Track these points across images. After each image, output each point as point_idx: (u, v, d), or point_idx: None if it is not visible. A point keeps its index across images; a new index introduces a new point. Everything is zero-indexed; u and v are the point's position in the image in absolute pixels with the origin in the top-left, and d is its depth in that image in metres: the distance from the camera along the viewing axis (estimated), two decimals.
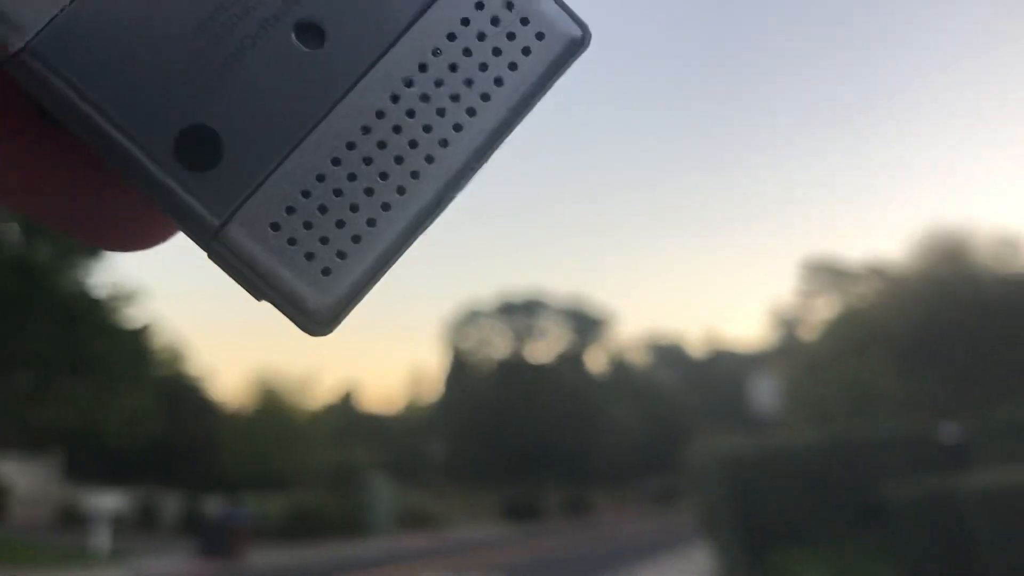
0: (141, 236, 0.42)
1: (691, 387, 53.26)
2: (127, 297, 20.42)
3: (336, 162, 0.37)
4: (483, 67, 0.38)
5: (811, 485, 8.54)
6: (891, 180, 70.62)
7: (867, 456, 8.74)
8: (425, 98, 0.38)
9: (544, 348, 49.26)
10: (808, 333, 32.81)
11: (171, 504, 25.16)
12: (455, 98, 0.38)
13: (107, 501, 18.98)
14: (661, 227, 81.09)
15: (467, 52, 0.38)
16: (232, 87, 0.36)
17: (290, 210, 0.37)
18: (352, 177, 0.37)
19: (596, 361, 50.93)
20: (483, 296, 61.11)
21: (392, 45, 0.38)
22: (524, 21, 0.39)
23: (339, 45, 0.37)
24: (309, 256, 0.37)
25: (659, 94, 79.85)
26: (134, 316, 20.79)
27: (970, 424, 9.53)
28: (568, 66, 0.40)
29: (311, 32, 0.37)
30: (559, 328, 49.54)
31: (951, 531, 6.95)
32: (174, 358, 30.79)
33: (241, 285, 0.38)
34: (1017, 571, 6.36)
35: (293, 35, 0.37)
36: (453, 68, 0.38)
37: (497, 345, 49.40)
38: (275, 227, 0.37)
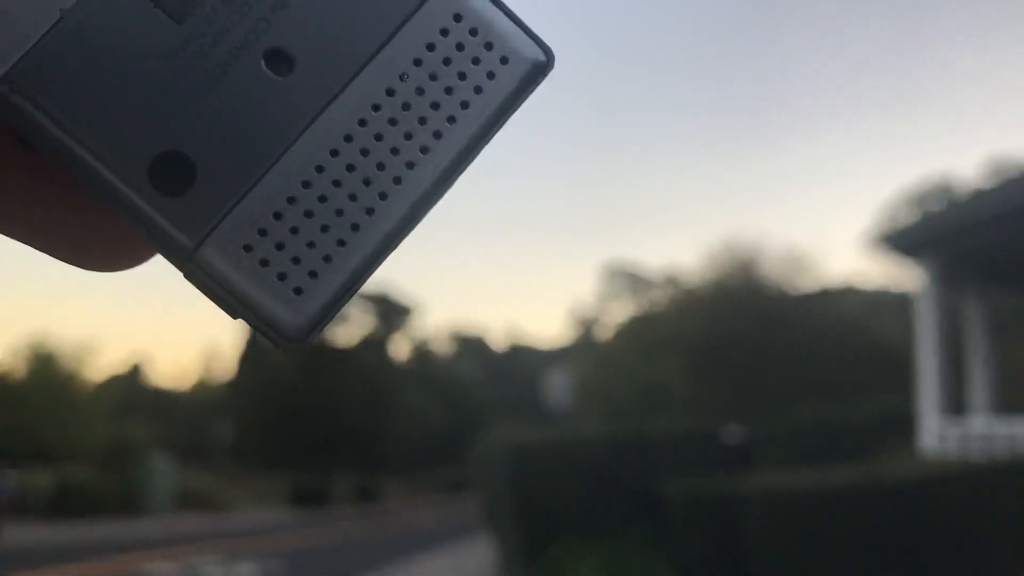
0: (121, 256, 0.42)
1: (491, 380, 53.96)
2: None
3: (306, 185, 0.38)
4: (448, 91, 0.40)
5: (592, 479, 8.59)
6: (694, 192, 74.03)
7: (650, 452, 8.88)
8: (392, 122, 0.39)
9: (345, 332, 48.53)
10: (604, 333, 33.82)
11: None
12: (422, 121, 0.39)
13: None
14: (473, 223, 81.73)
15: (433, 77, 0.40)
16: (204, 114, 0.38)
17: (262, 232, 0.38)
18: (322, 199, 0.39)
19: (399, 349, 50.66)
20: None
21: (360, 71, 0.39)
22: (488, 46, 0.40)
23: (308, 72, 0.39)
24: (281, 276, 0.38)
25: None
26: None
27: (753, 427, 9.92)
28: (532, 89, 0.42)
29: (280, 59, 0.38)
30: (362, 313, 48.94)
31: (724, 530, 7.14)
32: None
33: (216, 304, 0.40)
34: (785, 571, 6.58)
35: (263, 63, 0.38)
36: (419, 92, 0.39)
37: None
38: (248, 248, 0.38)
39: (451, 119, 0.40)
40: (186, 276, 0.39)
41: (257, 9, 0.38)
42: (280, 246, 0.38)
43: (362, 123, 0.39)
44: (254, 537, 21.09)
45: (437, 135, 0.39)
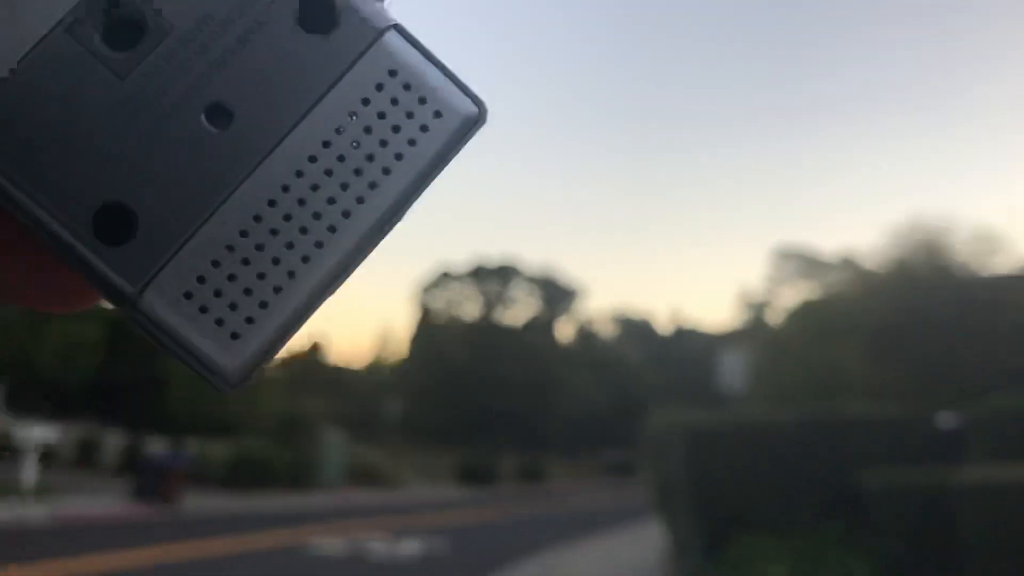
0: (68, 299, 0.43)
1: (656, 363, 52.90)
2: None
3: (244, 234, 0.40)
4: (383, 143, 0.41)
5: (779, 466, 7.80)
6: (870, 172, 70.30)
7: (843, 439, 8.01)
8: (328, 173, 0.41)
9: (513, 314, 48.67)
10: (775, 317, 32.44)
11: (112, 443, 24.27)
12: (357, 173, 0.41)
13: (37, 433, 18.11)
14: (638, 206, 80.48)
15: (368, 130, 0.41)
16: (146, 166, 0.40)
17: (201, 279, 0.40)
18: (260, 247, 0.40)
19: (564, 331, 50.41)
20: (457, 259, 60.21)
21: (297, 124, 0.41)
22: (422, 100, 0.42)
23: (246, 125, 0.40)
24: (219, 322, 0.40)
25: (642, 78, 78.92)
26: None
27: (960, 413, 8.85)
28: (465, 141, 0.43)
29: (220, 113, 0.40)
30: (529, 296, 48.95)
31: (935, 527, 6.28)
32: None
33: (158, 347, 0.42)
34: (1006, 574, 5.71)
35: (203, 116, 0.40)
36: (355, 145, 0.41)
37: (467, 308, 48.76)
38: (187, 296, 0.40)
39: (385, 171, 0.41)
40: (128, 320, 0.41)
41: (198, 65, 0.40)
42: (218, 293, 0.40)
43: (299, 174, 0.40)
44: (421, 513, 21.23)
45: (372, 186, 0.41)
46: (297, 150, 0.40)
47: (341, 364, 52.01)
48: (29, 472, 17.53)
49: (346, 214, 0.41)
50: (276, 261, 0.40)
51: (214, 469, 22.66)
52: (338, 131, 0.41)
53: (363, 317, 76.13)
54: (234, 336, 0.40)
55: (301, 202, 0.40)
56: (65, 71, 0.39)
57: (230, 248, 0.40)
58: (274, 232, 0.40)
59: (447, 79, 0.42)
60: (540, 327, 48.30)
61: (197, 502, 18.45)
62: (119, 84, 0.39)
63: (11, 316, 17.98)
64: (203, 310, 0.40)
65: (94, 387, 24.54)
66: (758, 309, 37.49)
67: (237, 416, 28.25)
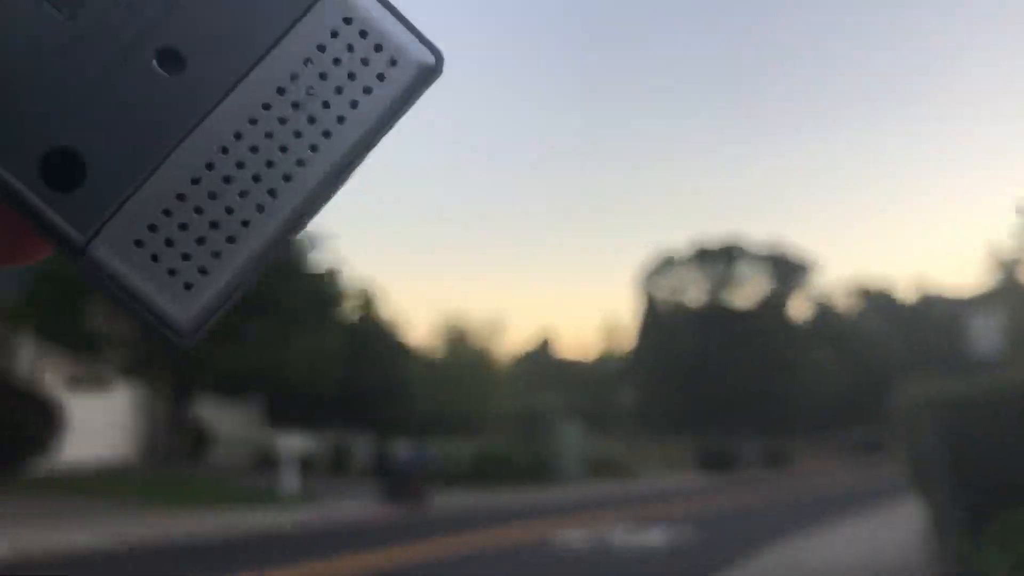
0: (15, 251, 0.42)
1: (900, 334, 49.73)
2: (311, 242, 20.69)
3: (197, 181, 0.40)
4: (338, 91, 0.41)
5: None
6: None
7: None
8: (283, 120, 0.40)
9: (742, 295, 47.33)
10: None
11: (361, 447, 25.72)
12: (312, 120, 0.41)
13: (295, 443, 19.42)
14: (867, 168, 76.15)
15: (323, 76, 0.41)
16: (95, 111, 0.39)
17: (152, 228, 0.39)
18: (212, 196, 0.40)
19: (798, 308, 48.45)
20: (678, 242, 59.23)
21: (251, 70, 0.40)
22: (377, 48, 0.42)
23: (199, 70, 0.40)
24: (171, 272, 0.40)
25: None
26: (319, 260, 21.10)
27: None
28: (422, 91, 0.43)
29: (172, 58, 0.39)
30: (758, 274, 47.40)
31: None
32: (364, 302, 31.38)
33: (109, 298, 0.42)
34: None
35: (154, 61, 0.39)
36: (309, 92, 0.41)
37: (693, 292, 47.94)
38: (138, 244, 0.39)
39: (341, 118, 0.41)
40: (78, 271, 0.40)
41: (149, 8, 0.39)
42: (170, 242, 0.39)
43: (253, 121, 0.40)
44: (662, 502, 21.01)
45: (327, 134, 0.41)
46: (251, 97, 0.40)
47: (570, 358, 52.57)
48: (290, 480, 18.86)
49: (300, 163, 0.40)
50: (230, 210, 0.40)
51: (458, 468, 23.45)
52: (292, 78, 0.40)
53: (588, 309, 76.65)
54: (187, 286, 0.39)
55: (255, 149, 0.40)
56: (7, 10, 0.38)
57: (182, 197, 0.39)
58: (227, 180, 0.40)
59: (404, 28, 0.42)
60: (772, 306, 46.66)
61: (444, 500, 19.16)
62: (65, 24, 0.38)
63: (262, 335, 19.38)
64: (155, 259, 0.39)
65: (340, 396, 26.04)
66: (1010, 267, 34.47)
67: (476, 415, 29.14)
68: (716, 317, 45.41)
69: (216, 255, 0.40)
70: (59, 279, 17.93)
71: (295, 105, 0.40)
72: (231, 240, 0.40)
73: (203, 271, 0.39)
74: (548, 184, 73.06)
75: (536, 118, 71.18)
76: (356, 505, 17.72)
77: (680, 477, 31.85)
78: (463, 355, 32.08)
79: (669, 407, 44.05)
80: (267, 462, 24.35)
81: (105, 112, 0.39)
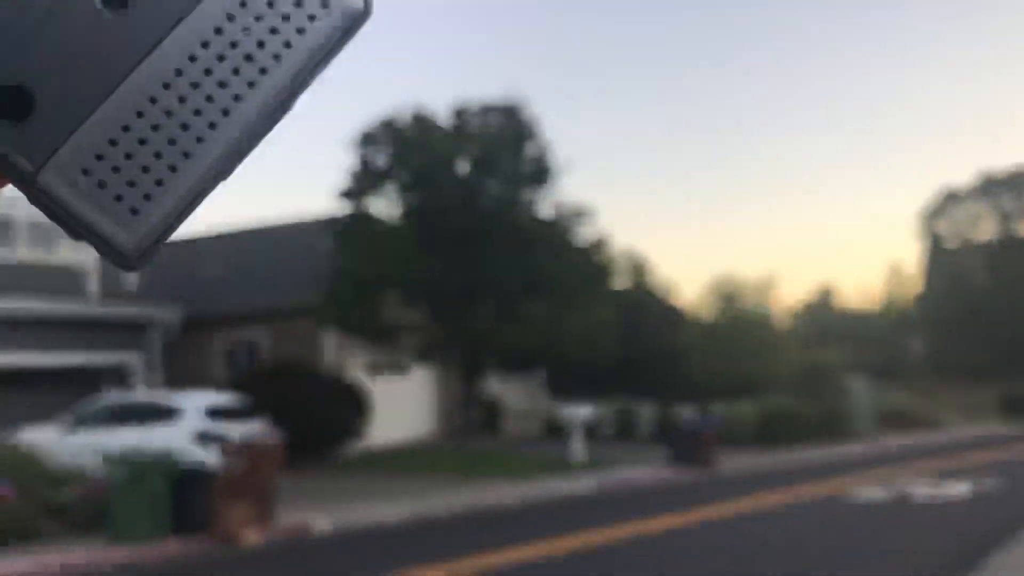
0: None
1: None
2: (577, 217, 21.20)
3: (140, 115, 0.42)
4: (273, 31, 0.44)
5: None
6: None
7: None
8: (220, 58, 0.43)
9: None
10: None
11: (644, 414, 26.11)
12: (248, 59, 0.43)
13: (580, 413, 20.10)
14: None
15: (258, 18, 0.43)
16: (42, 48, 0.41)
17: (99, 157, 0.42)
18: (155, 128, 0.43)
19: None
20: (959, 179, 54.66)
21: (191, 10, 0.42)
22: None
23: (142, 9, 0.42)
24: (118, 198, 0.43)
25: None
26: (586, 234, 21.59)
27: None
28: (352, 34, 0.45)
29: None
30: None
31: None
32: (634, 270, 31.68)
33: (59, 226, 0.44)
34: None
35: (98, 0, 0.41)
36: (245, 31, 0.43)
37: (981, 228, 44.27)
38: (85, 172, 0.42)
39: (276, 56, 0.44)
40: (30, 200, 0.42)
41: None
42: (116, 170, 0.42)
43: (192, 59, 0.43)
44: (964, 453, 19.78)
45: (262, 71, 0.44)
46: (191, 35, 0.43)
47: (852, 308, 50.11)
48: (577, 448, 19.57)
49: (238, 98, 0.44)
50: (172, 141, 0.43)
51: (743, 428, 23.23)
52: (230, 19, 0.43)
53: (868, 257, 72.62)
54: (132, 212, 0.43)
55: (194, 85, 0.43)
56: None
57: (126, 128, 0.42)
58: (168, 114, 0.43)
59: None
60: None
61: (731, 461, 19.11)
62: None
63: (541, 312, 20.15)
64: (101, 186, 0.43)
65: (618, 365, 26.51)
66: None
67: (756, 374, 28.63)
68: (1009, 252, 41.64)
69: (159, 183, 0.43)
70: (355, 277, 19.64)
71: (232, 44, 0.43)
72: (173, 169, 0.43)
73: (147, 198, 0.43)
74: (820, 128, 69.74)
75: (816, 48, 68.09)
76: (648, 470, 18.09)
77: (981, 426, 29.69)
78: (738, 314, 31.57)
79: (963, 353, 40.98)
80: (553, 431, 25.35)
81: (52, 49, 0.41)
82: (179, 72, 0.43)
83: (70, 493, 12.31)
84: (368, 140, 20.88)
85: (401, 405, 24.06)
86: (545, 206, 21.02)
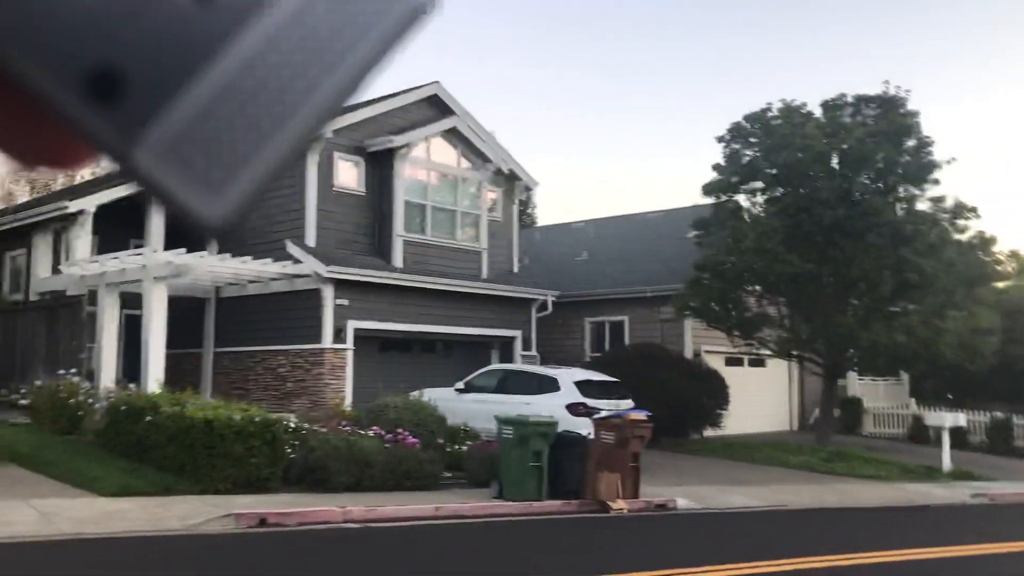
0: (61, 157, 0.50)
1: None
2: (958, 214, 20.08)
3: (224, 97, 0.46)
4: (349, 18, 0.48)
5: None
6: None
7: None
8: (301, 44, 0.47)
9: None
10: None
11: (1021, 424, 24.15)
12: (326, 43, 0.48)
13: (946, 421, 19.14)
14: None
15: (335, 10, 0.48)
16: (134, 33, 0.44)
17: (185, 137, 0.46)
18: (238, 109, 0.46)
19: None
20: None
21: (273, 2, 0.47)
22: None
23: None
24: (202, 177, 0.46)
25: None
26: (968, 232, 20.39)
27: None
28: (424, 19, 0.50)
29: None
30: None
31: None
32: (1020, 271, 29.22)
33: (148, 200, 0.52)
34: None
35: None
36: (324, 17, 0.48)
37: None
38: (172, 151, 0.46)
39: (352, 42, 0.48)
40: (122, 176, 0.47)
41: None
42: (201, 149, 0.46)
43: (274, 47, 0.46)
44: None
45: (338, 59, 0.48)
46: (274, 20, 0.46)
47: None
48: (944, 455, 18.66)
49: (315, 84, 0.47)
50: (254, 123, 0.46)
51: None
52: (309, 4, 0.47)
53: None
54: (217, 188, 0.46)
55: (275, 71, 0.46)
56: None
57: (212, 109, 0.46)
58: (251, 97, 0.46)
59: None
60: None
61: None
62: None
63: (911, 312, 19.36)
64: (188, 164, 0.46)
65: (992, 371, 24.65)
66: None
67: None
68: None
69: (242, 161, 0.46)
70: (718, 269, 20.12)
71: (312, 30, 0.47)
72: (255, 148, 0.46)
73: (230, 176, 0.46)
74: None
75: None
76: (1015, 486, 16.92)
77: None
78: None
79: None
80: (916, 437, 24.21)
81: (142, 32, 0.44)
82: (261, 59, 0.46)
83: (464, 449, 14.11)
84: (737, 133, 21.20)
85: (756, 397, 24.22)
86: (923, 202, 20.15)
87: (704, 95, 69.91)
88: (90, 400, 14.15)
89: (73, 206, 18.94)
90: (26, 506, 9.50)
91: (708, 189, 21.38)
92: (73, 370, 15.37)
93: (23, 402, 15.40)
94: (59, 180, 33.98)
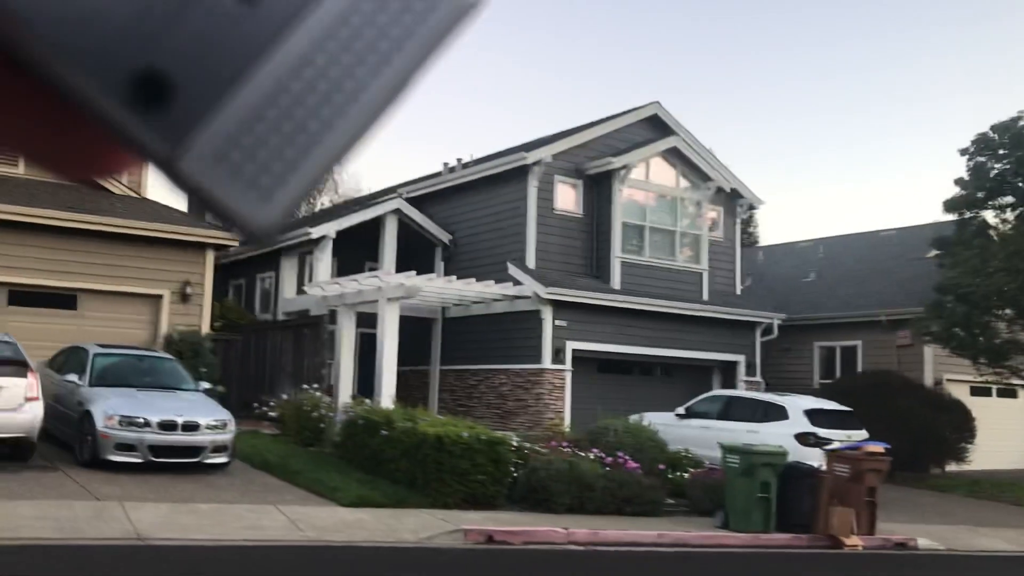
0: (99, 164, 0.49)
1: None
2: None
3: (271, 101, 0.45)
4: (395, 21, 0.47)
5: None
6: None
7: None
8: (347, 48, 0.46)
9: None
10: None
11: None
12: (372, 47, 0.47)
13: None
14: None
15: (381, 8, 0.47)
16: (180, 35, 0.43)
17: (233, 143, 0.45)
18: (285, 114, 0.46)
19: None
20: None
21: (319, 2, 0.46)
22: None
23: (273, 1, 0.45)
24: (250, 183, 0.45)
25: None
26: None
27: None
28: (468, 23, 0.48)
29: None
30: None
31: None
32: None
33: (195, 206, 0.63)
34: None
35: None
36: (370, 22, 0.47)
37: None
38: (220, 158, 0.45)
39: (398, 45, 0.47)
40: (168, 182, 0.45)
41: None
42: (249, 154, 0.45)
43: (320, 48, 0.45)
44: None
45: (385, 59, 0.46)
46: (319, 25, 0.45)
47: None
48: None
49: (363, 84, 0.46)
50: (301, 126, 0.45)
51: None
52: (354, 9, 0.46)
53: None
54: (264, 195, 0.45)
55: (323, 72, 0.45)
56: None
57: (259, 115, 0.44)
58: (300, 100, 0.45)
59: None
60: None
61: None
62: None
63: None
64: (235, 171, 0.45)
65: None
66: None
67: None
68: None
69: (291, 166, 0.45)
70: (962, 292, 18.71)
71: (358, 34, 0.46)
72: (303, 153, 0.45)
73: (279, 181, 0.45)
74: None
75: None
76: None
77: None
78: None
79: None
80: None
81: (190, 36, 0.43)
82: (308, 61, 0.45)
83: (685, 476, 13.83)
84: (984, 145, 19.72)
85: (1006, 430, 22.30)
86: None
87: (940, 106, 65.73)
88: (330, 414, 15.03)
89: (315, 232, 20.27)
90: (277, 512, 10.17)
91: (950, 205, 20.00)
92: (315, 385, 16.40)
93: (272, 414, 16.54)
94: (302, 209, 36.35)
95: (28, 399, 11.25)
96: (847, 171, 67.62)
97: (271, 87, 0.45)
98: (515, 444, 12.81)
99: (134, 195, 18.10)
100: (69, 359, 13.56)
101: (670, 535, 11.22)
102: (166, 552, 8.20)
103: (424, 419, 12.90)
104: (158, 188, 18.67)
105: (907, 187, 64.78)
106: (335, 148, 0.47)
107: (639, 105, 21.51)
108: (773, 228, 65.98)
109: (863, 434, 14.89)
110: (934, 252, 20.76)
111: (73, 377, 12.74)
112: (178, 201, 18.01)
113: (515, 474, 12.32)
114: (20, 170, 16.51)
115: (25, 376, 11.33)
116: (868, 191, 66.15)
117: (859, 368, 22.39)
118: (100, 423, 11.60)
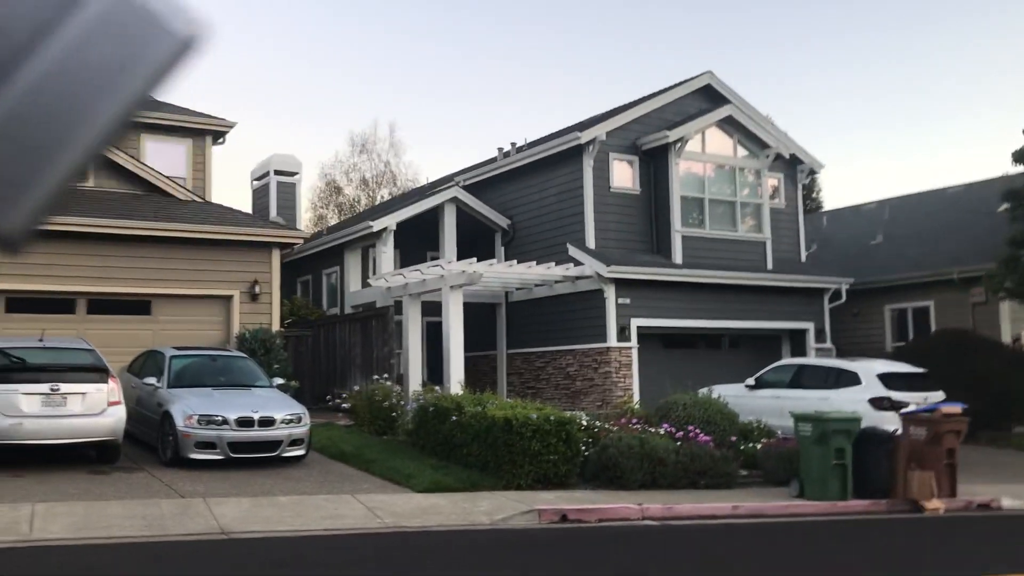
0: None
1: None
2: None
3: (10, 121, 0.51)
4: (112, 54, 0.52)
5: None
6: None
7: None
8: (68, 79, 0.52)
9: None
10: None
11: None
12: (90, 79, 0.52)
13: None
14: None
15: (94, 49, 0.53)
16: None
17: None
18: (19, 138, 0.52)
19: None
20: None
21: (38, 43, 0.51)
22: (143, 22, 0.53)
23: None
24: None
25: None
26: None
27: None
28: (184, 58, 0.53)
29: None
30: None
31: None
32: None
33: None
34: None
35: None
36: (87, 60, 0.53)
37: None
38: None
39: (114, 79, 0.52)
40: None
41: None
42: None
43: (45, 81, 0.51)
44: None
45: (104, 89, 0.52)
46: (41, 64, 0.50)
47: None
48: None
49: (85, 111, 0.51)
50: (40, 142, 0.51)
51: None
52: (71, 48, 0.51)
53: None
54: (11, 205, 0.51)
55: (49, 101, 0.51)
56: None
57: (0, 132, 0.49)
58: (27, 125, 0.51)
59: (168, 4, 0.53)
60: None
61: None
62: None
63: None
64: None
65: None
66: None
67: None
68: None
69: (32, 178, 0.51)
70: None
71: (76, 68, 0.51)
72: (43, 166, 0.51)
73: (22, 192, 0.51)
74: None
75: None
76: None
77: None
78: None
79: None
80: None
81: None
82: (33, 93, 0.50)
83: (758, 447, 13.73)
84: None
85: None
86: None
87: (1007, 52, 63.63)
88: (401, 402, 15.25)
89: (377, 224, 20.52)
90: (355, 501, 10.39)
91: (1020, 156, 19.42)
92: (385, 375, 16.66)
93: (345, 406, 16.84)
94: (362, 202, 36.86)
95: (111, 403, 11.66)
96: (909, 129, 65.94)
97: (8, 110, 0.51)
98: (584, 423, 12.86)
99: (198, 199, 18.53)
100: (147, 363, 13.98)
101: (745, 506, 11.17)
102: (250, 545, 8.44)
103: (492, 403, 13.03)
104: (221, 192, 19.03)
105: (973, 141, 62.96)
106: (70, 163, 0.53)
107: (692, 76, 21.28)
108: (837, 192, 64.70)
109: (940, 395, 14.61)
110: (1005, 205, 20.19)
111: (152, 380, 13.15)
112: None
113: (586, 453, 12.37)
114: (90, 183, 17.02)
115: (106, 382, 11.75)
116: (932, 148, 64.46)
117: (933, 329, 21.93)
118: (180, 423, 11.97)
